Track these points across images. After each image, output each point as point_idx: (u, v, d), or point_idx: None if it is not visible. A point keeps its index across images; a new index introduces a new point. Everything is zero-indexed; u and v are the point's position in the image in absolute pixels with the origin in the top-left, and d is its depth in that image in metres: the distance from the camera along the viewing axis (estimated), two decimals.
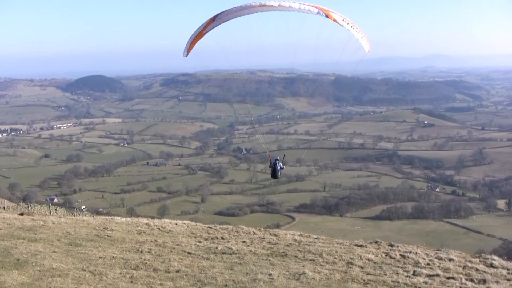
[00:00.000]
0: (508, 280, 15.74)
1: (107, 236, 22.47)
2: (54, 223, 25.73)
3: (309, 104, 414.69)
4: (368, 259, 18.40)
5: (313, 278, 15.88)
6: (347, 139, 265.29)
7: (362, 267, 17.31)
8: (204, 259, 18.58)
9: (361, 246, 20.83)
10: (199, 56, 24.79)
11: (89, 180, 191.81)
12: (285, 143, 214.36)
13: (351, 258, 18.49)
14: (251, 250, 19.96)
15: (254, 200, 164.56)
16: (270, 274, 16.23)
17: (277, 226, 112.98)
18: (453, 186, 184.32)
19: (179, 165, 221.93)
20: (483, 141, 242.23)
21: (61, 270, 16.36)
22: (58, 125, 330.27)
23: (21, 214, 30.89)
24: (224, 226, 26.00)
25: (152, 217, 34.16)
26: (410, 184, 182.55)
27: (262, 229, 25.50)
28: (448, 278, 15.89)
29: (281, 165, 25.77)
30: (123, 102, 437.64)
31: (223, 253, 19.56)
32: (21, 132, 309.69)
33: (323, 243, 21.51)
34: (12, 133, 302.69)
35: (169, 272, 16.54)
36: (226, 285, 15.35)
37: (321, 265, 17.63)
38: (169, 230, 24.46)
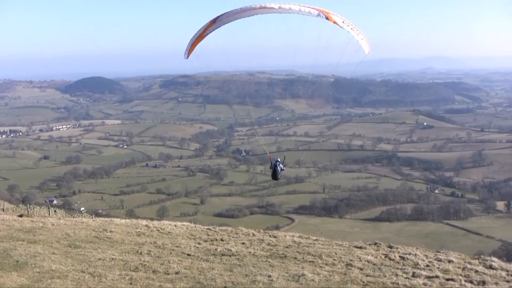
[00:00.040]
0: (508, 281, 15.76)
1: (107, 237, 22.47)
2: (53, 224, 25.72)
3: (309, 106, 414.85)
4: (368, 261, 18.41)
5: (313, 280, 15.88)
6: (346, 141, 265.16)
7: (361, 269, 17.32)
8: (203, 260, 18.59)
9: (360, 247, 20.85)
10: (200, 58, 24.84)
11: (88, 182, 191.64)
12: (285, 145, 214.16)
13: (351, 260, 18.50)
14: (250, 252, 19.97)
15: (253, 202, 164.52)
16: (270, 276, 16.24)
17: (277, 227, 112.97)
18: (452, 187, 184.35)
19: (179, 166, 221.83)
20: (483, 143, 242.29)
21: (61, 272, 16.36)
22: (57, 127, 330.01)
23: (20, 216, 30.87)
24: (224, 228, 26.03)
25: (152, 219, 34.18)
26: (409, 185, 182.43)
27: (261, 230, 25.51)
28: (448, 279, 15.90)
29: (282, 166, 25.84)
30: (123, 103, 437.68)
31: (222, 254, 19.56)
32: (20, 133, 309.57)
33: (323, 244, 21.52)
34: (11, 135, 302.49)
35: (168, 274, 16.55)
36: (225, 287, 15.36)
37: (321, 267, 17.64)
38: (169, 232, 24.45)
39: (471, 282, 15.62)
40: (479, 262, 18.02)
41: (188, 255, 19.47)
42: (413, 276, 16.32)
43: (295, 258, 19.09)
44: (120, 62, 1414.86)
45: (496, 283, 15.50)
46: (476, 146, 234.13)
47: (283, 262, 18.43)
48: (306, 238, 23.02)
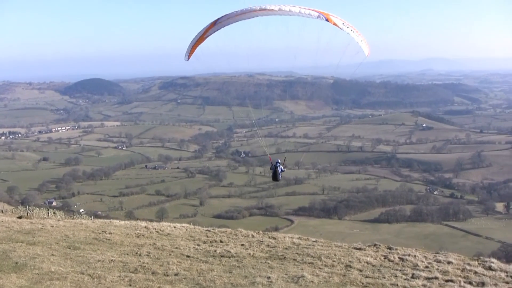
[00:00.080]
0: (507, 282, 15.76)
1: (106, 239, 22.45)
2: (52, 226, 25.70)
3: (308, 107, 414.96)
4: (367, 262, 18.41)
5: (312, 281, 15.87)
6: (345, 142, 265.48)
7: (360, 270, 17.31)
8: (202, 262, 18.57)
9: (359, 249, 20.84)
10: (200, 60, 24.89)
11: (87, 183, 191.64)
12: (284, 146, 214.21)
13: (350, 261, 18.49)
14: (249, 253, 19.95)
15: (252, 203, 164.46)
16: (269, 277, 16.23)
17: (276, 229, 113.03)
18: (451, 189, 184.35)
19: (178, 168, 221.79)
20: (482, 144, 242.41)
21: (60, 274, 16.35)
22: (56, 128, 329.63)
23: (20, 218, 30.84)
24: (223, 229, 26.02)
25: (151, 220, 34.24)
26: (408, 187, 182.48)
27: (260, 232, 25.48)
28: (447, 281, 15.89)
29: (282, 167, 25.93)
30: (122, 105, 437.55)
31: (221, 256, 19.55)
32: (19, 135, 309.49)
33: (322, 246, 21.51)
34: (11, 136, 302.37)
35: (167, 275, 16.54)
36: None
37: (320, 268, 17.63)
38: (168, 233, 24.43)
39: (470, 283, 15.61)
40: (478, 263, 18.02)
41: (188, 256, 19.46)
42: (412, 277, 16.31)
43: (294, 259, 19.08)
44: (119, 64, 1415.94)
45: (496, 284, 15.50)
46: (475, 148, 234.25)
47: (282, 264, 18.42)
48: (306, 240, 23.00)
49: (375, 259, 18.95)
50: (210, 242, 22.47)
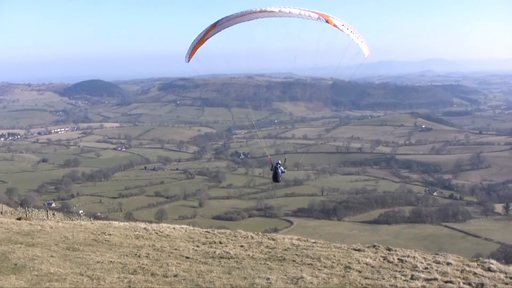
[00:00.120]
0: (506, 284, 15.76)
1: (105, 240, 22.43)
2: (51, 227, 25.68)
3: (307, 109, 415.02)
4: (366, 263, 18.40)
5: (311, 282, 15.87)
6: (345, 143, 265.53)
7: (360, 271, 17.31)
8: (202, 263, 18.57)
9: (359, 250, 20.83)
10: (200, 61, 24.94)
11: (86, 185, 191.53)
12: (284, 147, 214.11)
13: (349, 262, 18.48)
14: (249, 255, 19.94)
15: (252, 205, 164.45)
16: (268, 279, 16.22)
17: (275, 230, 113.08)
18: (450, 190, 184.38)
19: (177, 169, 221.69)
20: (481, 145, 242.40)
21: (59, 275, 16.34)
22: (55, 130, 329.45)
23: (19, 219, 30.83)
24: (222, 231, 26.00)
25: (150, 222, 34.17)
26: (408, 188, 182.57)
27: (260, 233, 25.46)
28: (446, 282, 15.89)
29: (282, 169, 26.02)
30: (121, 106, 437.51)
31: (221, 257, 19.54)
32: (18, 136, 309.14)
33: (321, 247, 21.51)
34: (10, 138, 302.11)
35: (167, 277, 16.53)
36: None
37: (319, 269, 17.63)
38: (167, 235, 24.42)
39: (469, 284, 15.61)
40: (477, 265, 18.02)
41: (187, 258, 19.45)
42: (411, 278, 16.31)
43: (293, 260, 19.08)
44: (118, 65, 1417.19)
45: (495, 286, 15.49)
46: (475, 149, 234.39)
47: (281, 265, 18.42)
48: (305, 241, 22.99)
49: (374, 260, 18.95)
50: (210, 243, 22.46)
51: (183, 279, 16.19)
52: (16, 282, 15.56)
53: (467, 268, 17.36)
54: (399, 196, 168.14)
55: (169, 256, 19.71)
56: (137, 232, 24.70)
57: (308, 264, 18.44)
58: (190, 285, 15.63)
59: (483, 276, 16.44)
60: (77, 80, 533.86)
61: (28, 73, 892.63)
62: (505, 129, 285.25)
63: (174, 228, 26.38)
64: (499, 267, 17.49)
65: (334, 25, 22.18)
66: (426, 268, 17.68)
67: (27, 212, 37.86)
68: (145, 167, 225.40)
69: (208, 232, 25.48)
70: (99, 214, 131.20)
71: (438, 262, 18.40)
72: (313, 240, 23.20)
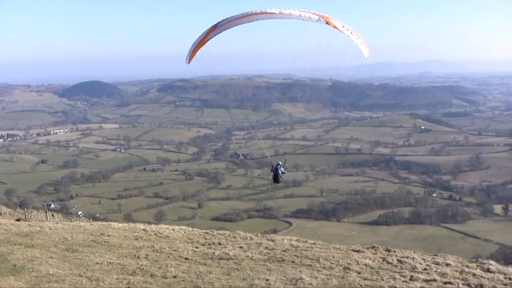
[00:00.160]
0: (505, 285, 15.77)
1: (104, 241, 22.44)
2: (51, 228, 25.68)
3: (306, 110, 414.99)
4: (365, 264, 18.42)
5: (310, 284, 15.88)
6: (344, 145, 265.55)
7: (359, 272, 17.32)
8: (201, 264, 18.57)
9: (358, 251, 20.85)
10: (200, 63, 24.97)
11: (86, 186, 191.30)
12: (284, 148, 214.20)
13: (348, 263, 18.50)
14: (248, 256, 19.95)
15: (251, 206, 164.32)
16: (267, 280, 16.23)
17: (274, 231, 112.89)
18: (450, 191, 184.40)
19: (176, 170, 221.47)
20: (480, 146, 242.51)
21: (58, 276, 16.33)
22: (55, 131, 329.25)
23: (18, 220, 30.83)
24: (221, 232, 26.01)
25: (149, 223, 34.18)
26: (407, 189, 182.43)
27: (259, 234, 25.50)
28: (445, 283, 15.91)
29: (283, 169, 26.06)
30: (120, 107, 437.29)
31: (220, 258, 19.55)
32: (17, 137, 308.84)
33: (320, 248, 21.53)
34: (9, 139, 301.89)
35: (166, 278, 16.53)
36: None
37: (318, 270, 17.64)
38: (166, 236, 24.44)
39: (468, 285, 15.63)
40: (476, 266, 18.04)
41: (186, 259, 19.46)
42: (410, 279, 16.33)
43: (293, 261, 19.09)
44: (117, 66, 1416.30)
45: (494, 287, 15.51)
46: (474, 150, 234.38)
47: (280, 266, 18.43)
48: (304, 242, 23.01)
49: (374, 261, 18.97)
50: (209, 244, 22.47)
51: (182, 280, 16.20)
52: (15, 283, 15.56)
53: (466, 269, 17.38)
54: (398, 197, 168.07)
55: (168, 257, 19.72)
56: (136, 233, 24.72)
57: (307, 265, 18.46)
58: (189, 286, 15.63)
59: (482, 277, 16.46)
60: (76, 81, 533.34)
61: (27, 74, 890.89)
62: (504, 130, 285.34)
63: (173, 229, 26.40)
64: (498, 268, 17.51)
65: (334, 27, 22.23)
66: (425, 269, 17.70)
67: (26, 213, 37.85)
68: (144, 168, 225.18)
69: (207, 233, 25.50)
70: (98, 215, 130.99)
71: (437, 263, 18.41)
72: (312, 241, 23.23)
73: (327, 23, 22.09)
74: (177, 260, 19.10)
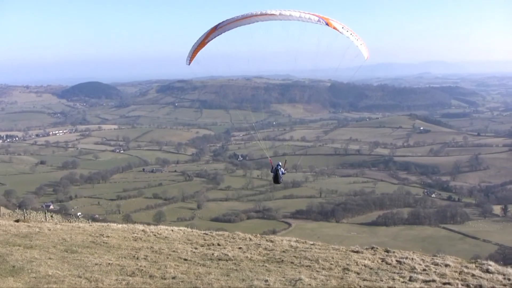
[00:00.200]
0: (504, 285, 15.79)
1: (103, 242, 22.43)
2: (50, 229, 25.67)
3: (305, 111, 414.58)
4: (364, 265, 18.42)
5: (309, 284, 15.88)
6: (343, 145, 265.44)
7: (358, 273, 17.33)
8: (200, 265, 18.57)
9: (357, 252, 20.85)
10: (201, 64, 25.02)
11: (85, 187, 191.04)
12: (283, 149, 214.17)
13: (347, 264, 18.50)
14: (247, 257, 19.95)
15: (250, 206, 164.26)
16: (266, 281, 16.23)
17: (273, 232, 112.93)
18: (449, 191, 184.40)
19: (175, 171, 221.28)
20: (479, 147, 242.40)
21: (57, 277, 16.33)
22: (54, 132, 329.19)
23: (17, 221, 30.81)
24: (220, 233, 26.01)
25: (148, 224, 34.14)
26: (406, 190, 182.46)
27: (258, 235, 25.50)
28: (444, 283, 15.92)
29: (283, 170, 26.10)
30: (119, 108, 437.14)
31: (219, 259, 19.55)
32: (16, 138, 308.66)
33: (319, 249, 21.52)
34: (8, 140, 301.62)
35: (165, 279, 16.53)
36: None
37: (317, 271, 17.64)
38: (165, 237, 24.43)
39: (467, 286, 15.64)
40: (475, 266, 18.05)
41: (185, 260, 19.45)
42: (410, 280, 16.34)
43: (292, 262, 19.09)
44: (117, 67, 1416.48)
45: (493, 287, 15.52)
46: (473, 150, 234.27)
47: (280, 267, 18.42)
48: (303, 243, 23.02)
49: (373, 262, 18.97)
50: (208, 245, 22.47)
51: (181, 281, 16.20)
52: (14, 284, 15.55)
53: (465, 270, 17.39)
54: (397, 198, 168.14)
55: (167, 258, 19.71)
56: (135, 234, 24.71)
57: (306, 266, 18.46)
58: (188, 287, 15.63)
59: (481, 277, 16.47)
60: (75, 82, 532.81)
61: (26, 75, 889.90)
62: (503, 130, 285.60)
63: (172, 230, 26.39)
64: (497, 269, 17.52)
65: (334, 28, 22.27)
66: (424, 269, 17.70)
67: (25, 214, 37.79)
68: (143, 169, 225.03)
69: (206, 234, 25.49)
70: (97, 216, 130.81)
71: (437, 264, 18.42)
72: (311, 242, 23.23)
73: (327, 24, 22.14)
74: (176, 261, 19.10)
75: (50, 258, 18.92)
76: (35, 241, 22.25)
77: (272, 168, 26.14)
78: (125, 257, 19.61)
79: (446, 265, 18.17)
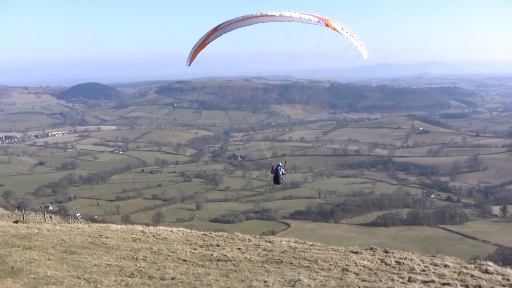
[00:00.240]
0: (503, 286, 15.79)
1: (102, 243, 22.40)
2: (49, 230, 25.63)
3: (304, 111, 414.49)
4: (364, 266, 18.42)
5: (309, 285, 15.88)
6: (342, 146, 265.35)
7: (357, 274, 17.32)
8: (199, 266, 18.56)
9: (356, 252, 20.84)
10: (201, 65, 25.07)
11: (84, 188, 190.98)
12: (282, 150, 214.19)
13: (347, 265, 18.49)
14: (246, 257, 19.94)
15: (249, 207, 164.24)
16: (266, 281, 16.23)
17: (272, 233, 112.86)
18: (448, 192, 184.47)
19: (174, 172, 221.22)
20: (478, 147, 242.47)
21: (56, 278, 16.31)
22: (53, 133, 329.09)
23: (16, 222, 30.76)
24: (219, 233, 25.99)
25: (147, 225, 34.11)
26: (405, 190, 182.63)
27: (257, 236, 25.49)
28: (443, 284, 15.92)
29: (283, 171, 26.16)
30: (118, 109, 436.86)
31: (218, 260, 19.53)
32: (16, 139, 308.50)
33: (318, 249, 21.51)
34: (7, 141, 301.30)
35: (164, 280, 16.52)
36: None
37: (317, 272, 17.63)
38: (164, 238, 24.41)
39: (467, 286, 15.64)
40: (475, 267, 18.05)
41: (184, 260, 19.44)
42: (409, 281, 16.34)
43: (291, 263, 19.08)
44: (116, 68, 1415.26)
45: None
46: (472, 151, 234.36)
47: (279, 267, 18.42)
48: (302, 243, 23.00)
49: (372, 262, 18.96)
50: (207, 246, 22.45)
51: (181, 282, 16.19)
52: (13, 285, 15.54)
53: (465, 270, 17.39)
54: (397, 199, 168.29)
55: (167, 259, 19.70)
56: (134, 235, 24.68)
57: (306, 267, 18.45)
58: None
59: (480, 278, 16.48)
60: (74, 83, 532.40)
61: (25, 76, 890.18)
62: (502, 131, 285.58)
63: (171, 231, 26.37)
64: (496, 269, 17.52)
65: (334, 29, 22.31)
66: (423, 270, 17.70)
67: (24, 215, 37.70)
68: (143, 170, 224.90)
69: (206, 235, 25.47)
70: (96, 217, 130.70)
71: (436, 264, 18.42)
72: (311, 243, 23.21)
73: (326, 25, 22.18)
74: (175, 262, 19.08)
75: (49, 259, 18.90)
76: (34, 242, 22.22)
77: (272, 168, 26.19)
78: (124, 258, 19.59)
79: (445, 266, 18.17)
